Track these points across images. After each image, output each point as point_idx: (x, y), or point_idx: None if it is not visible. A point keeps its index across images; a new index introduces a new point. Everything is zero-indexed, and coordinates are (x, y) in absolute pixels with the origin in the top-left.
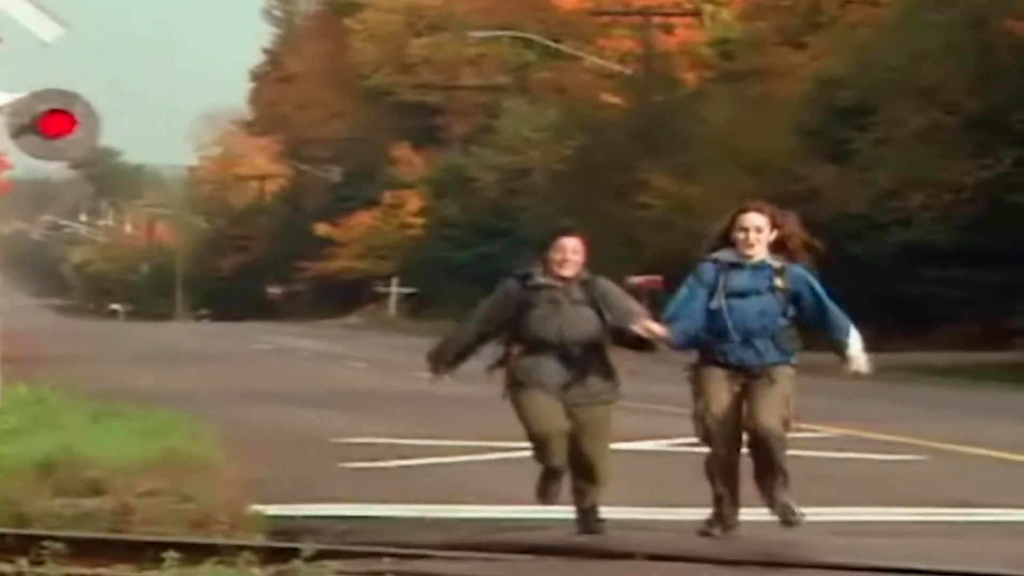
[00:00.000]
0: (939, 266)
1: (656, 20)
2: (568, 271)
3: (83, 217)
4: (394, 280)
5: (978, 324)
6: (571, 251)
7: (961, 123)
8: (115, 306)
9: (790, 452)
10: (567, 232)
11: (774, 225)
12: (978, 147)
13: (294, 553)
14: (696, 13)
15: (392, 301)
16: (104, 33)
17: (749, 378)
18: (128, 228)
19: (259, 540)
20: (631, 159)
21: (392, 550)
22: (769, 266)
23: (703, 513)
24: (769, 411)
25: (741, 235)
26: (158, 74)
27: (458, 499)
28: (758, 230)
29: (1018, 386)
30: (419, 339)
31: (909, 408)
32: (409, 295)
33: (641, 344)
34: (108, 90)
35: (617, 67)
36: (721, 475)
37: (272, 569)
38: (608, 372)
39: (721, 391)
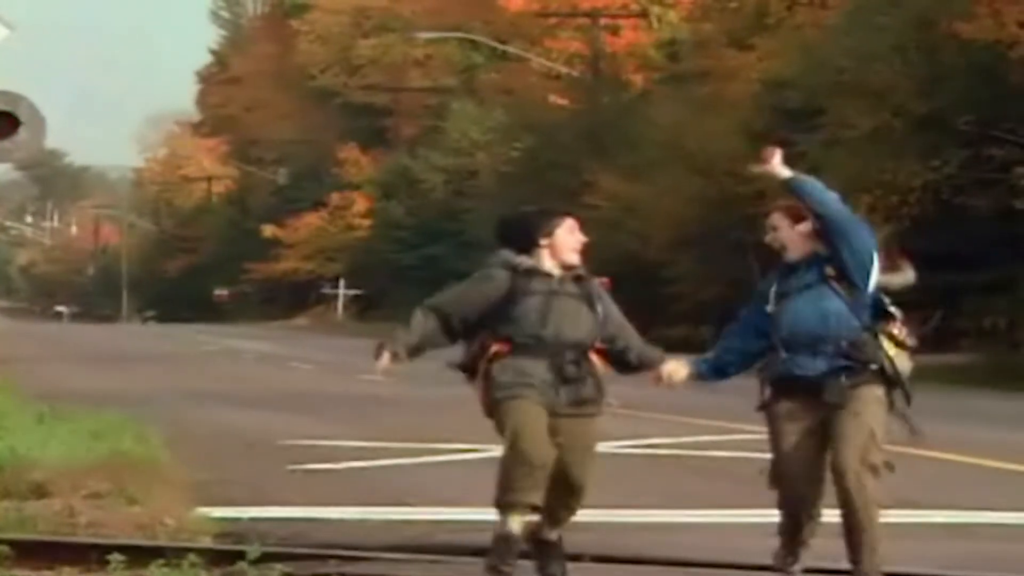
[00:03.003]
0: None
1: (603, 22)
2: (576, 258)
3: (28, 219)
4: (341, 282)
5: (925, 326)
6: (580, 236)
7: (908, 125)
8: (60, 308)
9: (736, 454)
10: (568, 214)
11: (797, 219)
12: (925, 149)
13: (240, 556)
14: (643, 15)
15: (339, 303)
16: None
17: (828, 408)
18: (74, 230)
19: (205, 542)
20: (578, 160)
21: (338, 552)
22: (820, 257)
23: (650, 514)
24: (851, 457)
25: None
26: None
27: (404, 501)
28: (774, 229)
29: (964, 388)
30: (366, 341)
31: None
32: (356, 296)
33: (636, 368)
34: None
35: (564, 69)
36: (793, 526)
37: (218, 571)
38: (598, 380)
39: (792, 427)
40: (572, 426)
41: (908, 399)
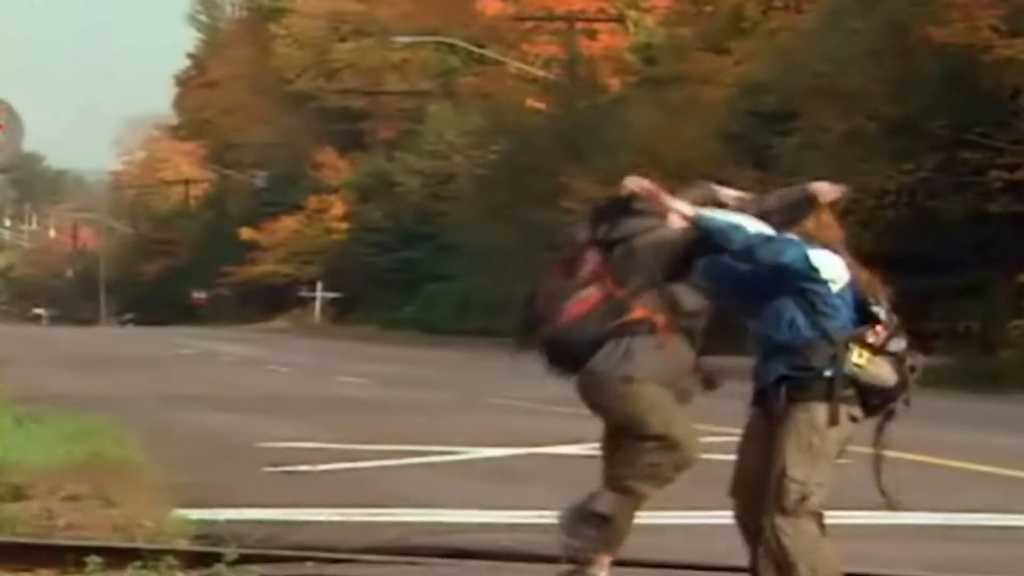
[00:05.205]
0: None
1: (579, 26)
2: None
3: (6, 222)
4: (319, 284)
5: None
6: None
7: (883, 129)
8: (38, 311)
9: (723, 457)
10: None
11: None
12: (899, 153)
13: (217, 558)
14: (619, 19)
15: (317, 305)
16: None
17: (773, 420)
18: (52, 233)
19: (182, 544)
20: (554, 164)
21: (315, 554)
22: None
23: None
24: (770, 498)
25: None
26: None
27: (381, 503)
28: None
29: (938, 391)
30: (343, 343)
31: None
32: (333, 299)
33: None
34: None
35: (541, 72)
36: (747, 542)
37: (195, 573)
38: None
39: (747, 436)
40: None
41: (888, 409)
